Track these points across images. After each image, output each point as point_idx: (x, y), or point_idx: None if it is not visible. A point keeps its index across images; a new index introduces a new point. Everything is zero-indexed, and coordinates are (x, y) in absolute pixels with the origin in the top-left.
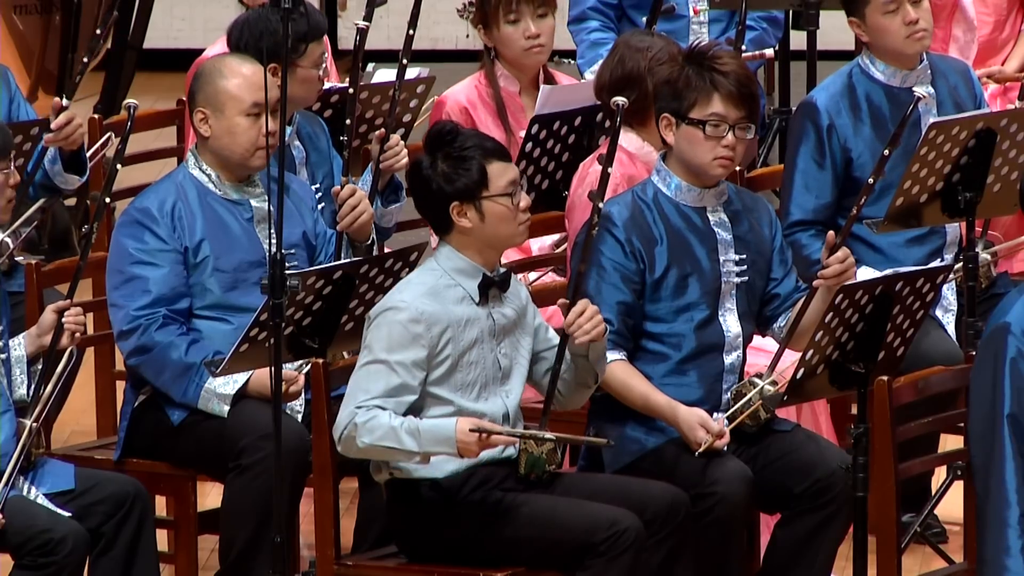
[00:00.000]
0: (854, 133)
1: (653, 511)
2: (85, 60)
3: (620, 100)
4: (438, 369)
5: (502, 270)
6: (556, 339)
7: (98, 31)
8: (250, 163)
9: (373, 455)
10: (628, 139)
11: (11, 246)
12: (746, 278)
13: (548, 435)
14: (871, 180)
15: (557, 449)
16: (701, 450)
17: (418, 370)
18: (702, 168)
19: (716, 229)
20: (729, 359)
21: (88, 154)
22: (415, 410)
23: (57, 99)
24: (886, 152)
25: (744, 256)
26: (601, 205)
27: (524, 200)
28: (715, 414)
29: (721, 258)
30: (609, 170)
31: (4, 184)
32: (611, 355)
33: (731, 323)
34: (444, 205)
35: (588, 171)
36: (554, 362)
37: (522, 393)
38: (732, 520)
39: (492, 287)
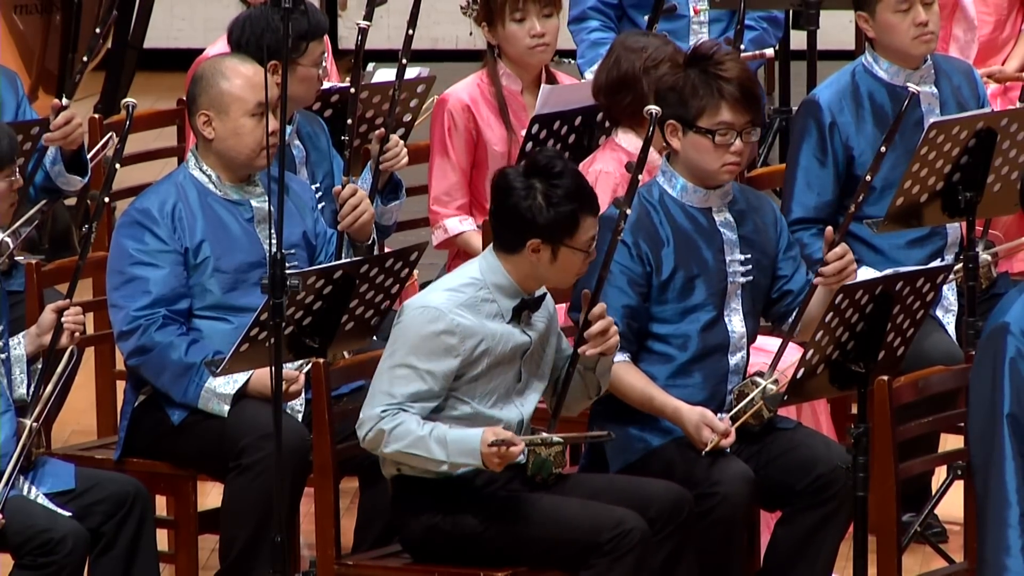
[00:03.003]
0: (856, 131)
1: (657, 509)
2: (85, 59)
3: (653, 109)
4: (466, 377)
5: (538, 292)
6: (569, 349)
7: (98, 30)
8: (255, 163)
9: (399, 460)
10: (627, 139)
11: (11, 246)
12: (751, 277)
13: (557, 438)
14: (868, 178)
15: (564, 452)
16: (707, 449)
17: (446, 380)
18: (710, 174)
19: (722, 229)
20: (734, 360)
21: (89, 155)
22: (435, 408)
23: (56, 100)
24: (883, 149)
25: (749, 255)
26: (628, 212)
27: (593, 255)
28: (719, 414)
29: (727, 258)
30: (639, 177)
31: (8, 190)
32: (615, 356)
33: (736, 324)
34: (524, 235)
35: (587, 171)
36: (566, 369)
37: (537, 402)
38: (734, 520)
39: (526, 309)
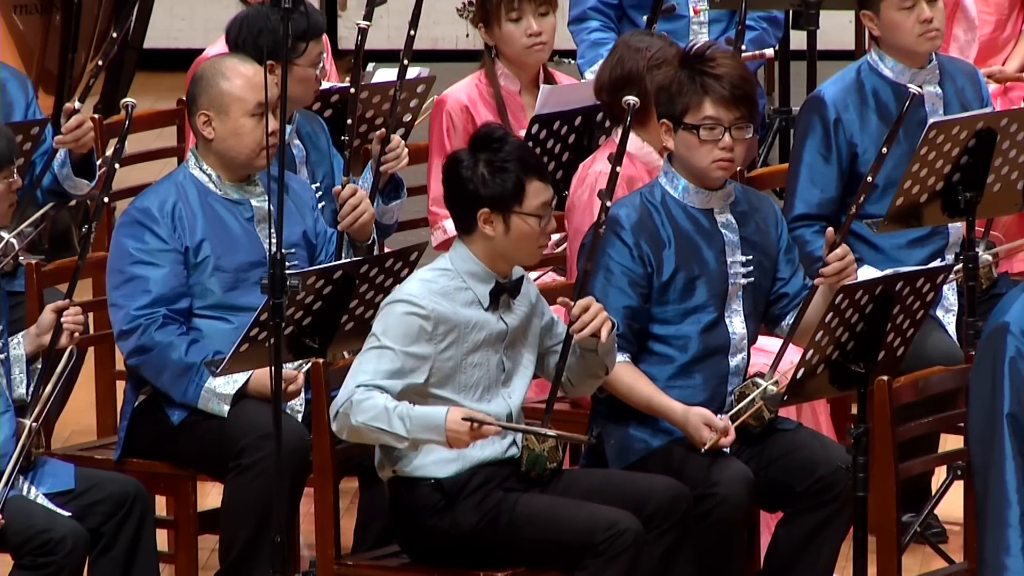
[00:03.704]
0: (861, 128)
1: (655, 505)
2: (100, 63)
3: (631, 100)
4: (441, 370)
5: (515, 276)
6: (562, 329)
7: (114, 35)
8: (255, 163)
9: (364, 436)
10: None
11: (16, 247)
12: (752, 279)
13: (544, 431)
14: (869, 178)
15: (558, 447)
16: (706, 447)
17: (423, 363)
18: (702, 171)
19: (723, 231)
20: (734, 361)
21: (98, 162)
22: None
23: (69, 104)
24: (884, 150)
25: (751, 257)
26: (609, 204)
27: (551, 224)
28: (719, 415)
29: (728, 260)
30: (618, 169)
31: (7, 191)
32: (616, 356)
33: (737, 325)
34: (473, 208)
35: (588, 172)
36: (558, 359)
37: (525, 393)
38: (733, 521)
39: (503, 294)
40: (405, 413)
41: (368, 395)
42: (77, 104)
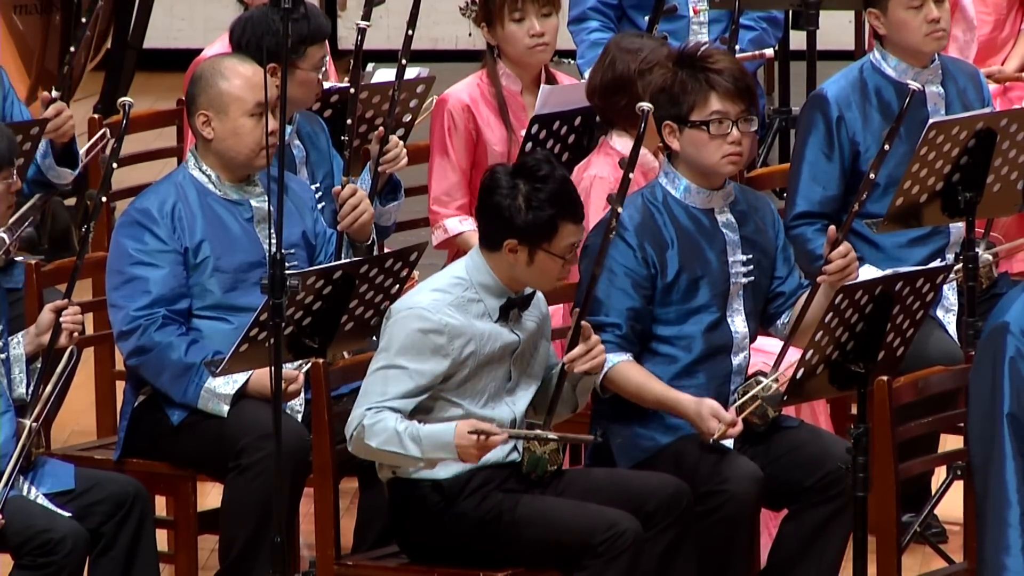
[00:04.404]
0: (863, 127)
1: (656, 503)
2: (72, 50)
3: (645, 106)
4: (455, 378)
5: (527, 291)
6: (555, 360)
7: (84, 20)
8: (255, 163)
9: (380, 458)
10: (621, 142)
11: (7, 242)
12: (752, 278)
13: (550, 435)
14: (871, 175)
15: (559, 449)
16: (714, 438)
17: (436, 379)
18: (712, 168)
19: (724, 230)
20: (736, 360)
21: (83, 149)
22: (424, 410)
23: (46, 93)
24: (885, 147)
25: (751, 256)
26: (620, 210)
27: (575, 262)
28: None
29: (729, 259)
30: (631, 176)
31: (6, 192)
32: (619, 356)
33: (738, 324)
34: (502, 234)
35: (582, 176)
36: (556, 382)
37: (529, 402)
38: (740, 518)
39: (513, 308)
40: (416, 435)
41: (378, 417)
42: (54, 93)
